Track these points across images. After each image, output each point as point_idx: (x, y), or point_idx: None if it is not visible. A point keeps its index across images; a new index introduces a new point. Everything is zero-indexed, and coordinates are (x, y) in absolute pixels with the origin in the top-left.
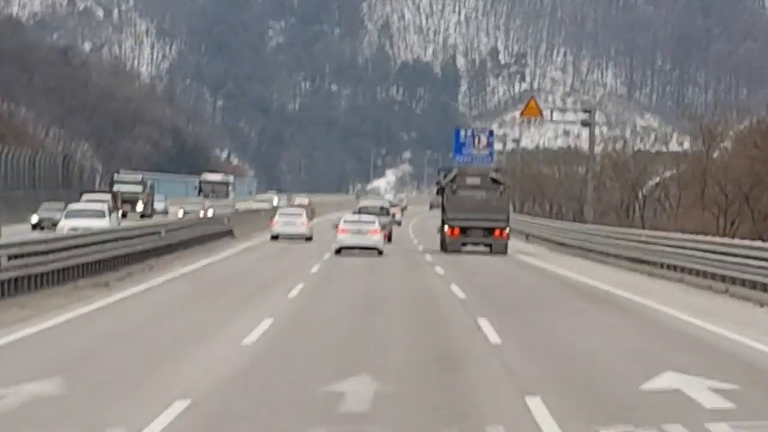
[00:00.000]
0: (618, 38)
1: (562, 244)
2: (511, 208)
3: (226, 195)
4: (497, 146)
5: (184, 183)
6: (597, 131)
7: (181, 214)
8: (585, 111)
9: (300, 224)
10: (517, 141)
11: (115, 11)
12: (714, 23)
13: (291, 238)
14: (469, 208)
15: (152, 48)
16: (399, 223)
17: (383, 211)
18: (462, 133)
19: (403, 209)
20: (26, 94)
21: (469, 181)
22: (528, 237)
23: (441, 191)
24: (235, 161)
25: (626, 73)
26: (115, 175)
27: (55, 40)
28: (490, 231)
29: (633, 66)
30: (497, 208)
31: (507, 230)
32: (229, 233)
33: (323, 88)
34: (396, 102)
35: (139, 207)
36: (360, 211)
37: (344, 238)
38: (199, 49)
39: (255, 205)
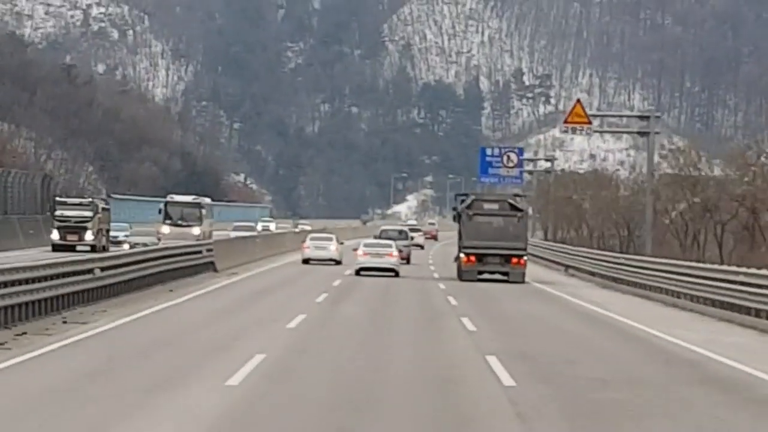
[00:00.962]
0: (645, 59)
1: (614, 279)
2: (541, 235)
3: (199, 220)
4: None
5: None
6: (624, 155)
7: (126, 247)
8: (643, 117)
9: (331, 248)
10: (550, 159)
11: (130, 32)
12: (744, 44)
13: (321, 261)
14: (486, 235)
15: (167, 69)
16: (422, 247)
17: (402, 235)
18: (488, 152)
19: (434, 235)
20: (27, 115)
21: (486, 207)
22: (568, 269)
23: (457, 217)
24: (252, 185)
25: (654, 94)
26: (57, 197)
27: (68, 60)
28: (507, 259)
29: (661, 87)
30: (515, 235)
31: (525, 258)
32: (210, 267)
33: (343, 111)
34: (417, 125)
35: (88, 237)
36: (380, 235)
37: (364, 260)
38: (215, 70)
39: (244, 232)
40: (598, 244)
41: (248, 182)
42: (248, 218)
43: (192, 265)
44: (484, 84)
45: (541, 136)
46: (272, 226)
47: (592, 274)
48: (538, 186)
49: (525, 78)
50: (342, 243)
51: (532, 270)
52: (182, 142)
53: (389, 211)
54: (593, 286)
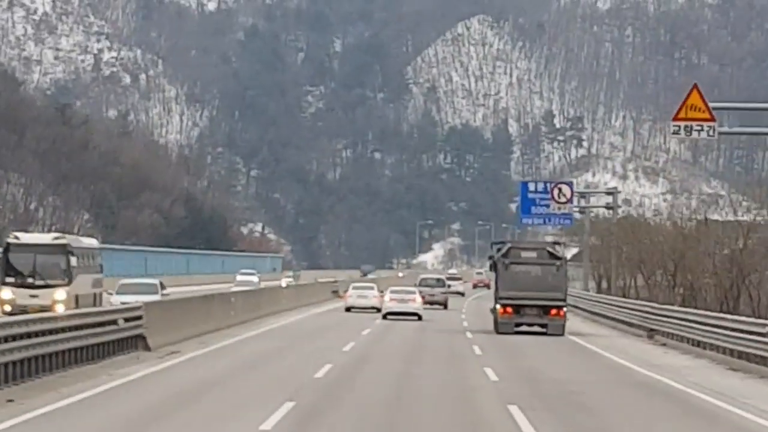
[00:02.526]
0: (681, 100)
1: (747, 356)
2: (589, 285)
3: (65, 275)
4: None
5: (199, 259)
6: (660, 200)
7: None
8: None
9: (372, 297)
10: (612, 192)
11: (143, 76)
12: None
13: (364, 309)
14: (523, 285)
15: (181, 115)
16: (463, 294)
17: (439, 283)
18: (531, 187)
19: (486, 284)
20: (15, 158)
21: (524, 255)
22: (652, 334)
23: (493, 266)
24: (269, 235)
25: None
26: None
27: (77, 106)
28: (546, 310)
29: None
30: (554, 285)
31: (565, 309)
32: (137, 344)
33: (365, 156)
34: (444, 170)
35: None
36: (420, 283)
37: (391, 306)
38: (231, 116)
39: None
40: (684, 299)
41: (266, 231)
42: (258, 270)
43: (95, 344)
44: (512, 127)
45: (574, 181)
46: (254, 279)
47: (701, 345)
48: (594, 227)
49: (555, 120)
50: (382, 292)
51: (604, 337)
52: (188, 187)
53: (415, 261)
54: (712, 366)
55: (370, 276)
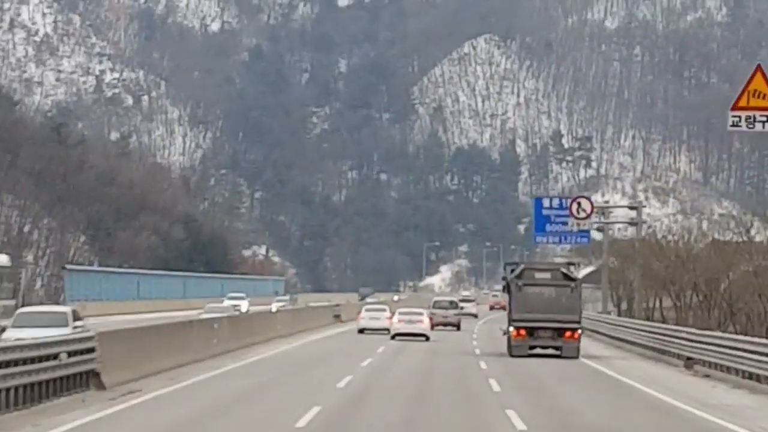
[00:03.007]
0: (691, 119)
1: None
2: (611, 307)
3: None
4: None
5: (196, 282)
6: (672, 220)
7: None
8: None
9: (384, 318)
10: (636, 207)
11: (145, 98)
12: None
13: (376, 330)
14: (537, 307)
15: (184, 136)
16: (476, 315)
17: (452, 305)
18: (545, 203)
19: (503, 306)
20: (9, 179)
21: (538, 276)
22: (690, 363)
23: (507, 288)
24: (274, 258)
25: (701, 157)
26: None
27: (79, 128)
28: (560, 332)
29: (708, 149)
30: (568, 307)
31: (579, 331)
32: (87, 381)
33: (371, 178)
34: (450, 191)
35: None
36: (434, 305)
37: (399, 327)
38: (235, 137)
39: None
40: (720, 323)
41: (270, 254)
42: (259, 293)
43: (26, 385)
44: (520, 147)
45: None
46: (244, 305)
47: (754, 377)
48: (613, 247)
49: (564, 140)
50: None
51: (635, 367)
52: (187, 209)
53: (422, 283)
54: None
55: (368, 300)
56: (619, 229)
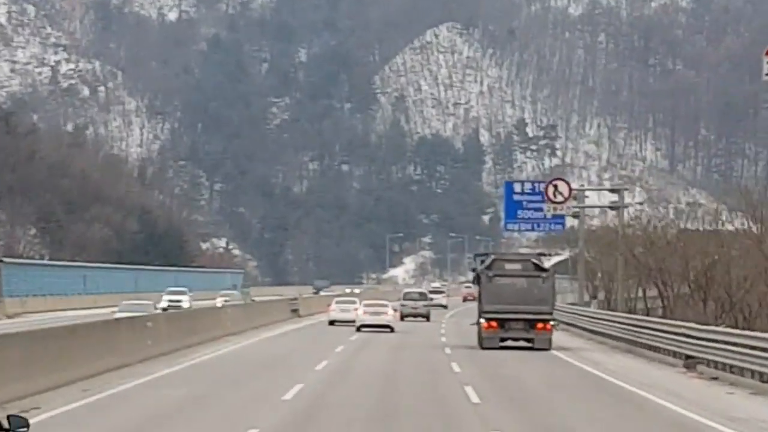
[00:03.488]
0: (657, 107)
1: None
2: (586, 298)
3: None
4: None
5: (149, 275)
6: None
7: None
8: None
9: (353, 311)
10: (617, 190)
11: (102, 89)
12: (763, 87)
13: (346, 323)
14: (509, 299)
15: (142, 128)
16: (446, 307)
17: (422, 296)
18: (517, 188)
19: (475, 296)
20: None
21: (508, 267)
22: (692, 363)
23: (477, 279)
24: (234, 251)
25: (667, 145)
26: None
27: (35, 120)
28: (532, 324)
29: (674, 137)
30: (540, 298)
31: (552, 323)
32: None
33: (333, 168)
34: (413, 182)
35: None
36: (404, 297)
37: (364, 318)
38: (194, 128)
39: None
40: (717, 316)
41: (230, 247)
42: (216, 286)
43: None
44: (484, 137)
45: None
46: (185, 301)
47: None
48: (590, 235)
49: (528, 129)
50: (395, 309)
51: (628, 368)
52: (142, 200)
53: (385, 276)
54: None
55: (322, 293)
56: (590, 217)
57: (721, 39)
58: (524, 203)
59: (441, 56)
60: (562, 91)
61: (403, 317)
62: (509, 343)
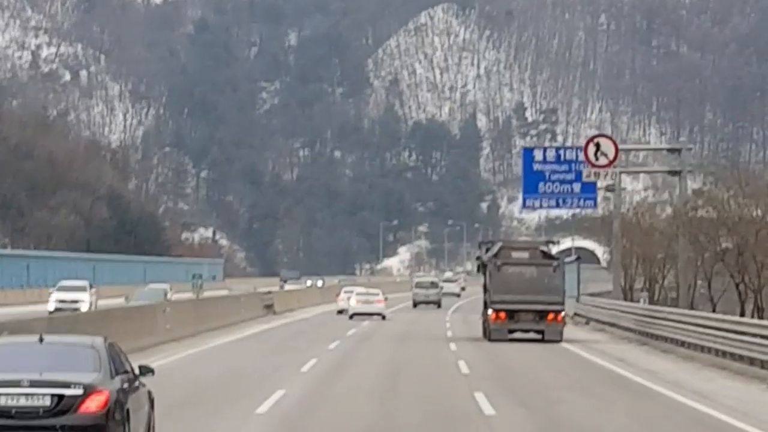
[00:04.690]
0: (661, 90)
1: None
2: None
3: None
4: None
5: (111, 266)
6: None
7: None
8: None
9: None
10: (679, 149)
11: (84, 73)
12: None
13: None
14: (517, 288)
15: (125, 113)
16: (458, 295)
17: (433, 285)
18: (538, 155)
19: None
20: None
21: (515, 255)
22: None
23: (483, 268)
24: (221, 240)
25: (672, 129)
26: None
27: (14, 106)
28: (542, 315)
29: (679, 121)
30: (551, 288)
31: (563, 314)
32: None
33: (324, 155)
34: (408, 168)
35: None
36: (416, 285)
37: (356, 307)
38: (179, 113)
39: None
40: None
41: (218, 237)
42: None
43: None
44: (481, 121)
45: None
46: (85, 301)
47: None
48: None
49: (527, 114)
50: (386, 298)
51: (722, 395)
52: (113, 185)
53: (379, 266)
54: None
55: (287, 287)
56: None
57: (727, 20)
58: (547, 174)
59: (436, 38)
60: (562, 74)
61: (415, 304)
62: (518, 335)
